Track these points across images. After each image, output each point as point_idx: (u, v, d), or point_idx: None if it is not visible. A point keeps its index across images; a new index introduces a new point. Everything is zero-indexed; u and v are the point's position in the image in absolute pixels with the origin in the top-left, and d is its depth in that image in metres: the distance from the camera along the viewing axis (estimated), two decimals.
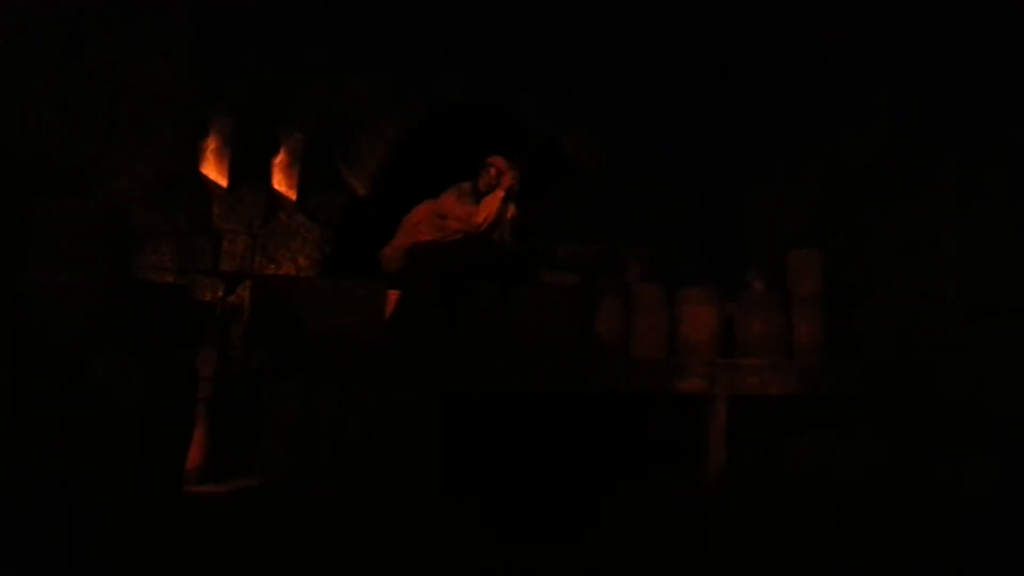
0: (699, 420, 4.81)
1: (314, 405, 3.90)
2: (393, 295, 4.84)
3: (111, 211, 2.87)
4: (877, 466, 4.82)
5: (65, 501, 2.61)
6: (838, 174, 5.72)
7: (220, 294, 4.83)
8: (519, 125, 6.43)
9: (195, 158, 4.89)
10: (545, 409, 4.86)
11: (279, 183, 5.27)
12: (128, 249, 2.97)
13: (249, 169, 5.15)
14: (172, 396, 2.82)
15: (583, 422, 5.00)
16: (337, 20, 5.48)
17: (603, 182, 6.79)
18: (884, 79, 5.31)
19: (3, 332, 2.63)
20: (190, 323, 3.31)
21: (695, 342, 4.94)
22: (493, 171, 5.03)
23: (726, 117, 6.83)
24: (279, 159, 5.28)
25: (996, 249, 4.44)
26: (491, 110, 6.28)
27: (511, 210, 5.04)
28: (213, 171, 4.97)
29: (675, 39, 6.59)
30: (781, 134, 6.40)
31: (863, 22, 5.46)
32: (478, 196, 5.00)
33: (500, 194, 4.89)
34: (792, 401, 4.99)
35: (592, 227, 6.57)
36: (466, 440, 4.48)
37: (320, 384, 3.93)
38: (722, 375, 4.81)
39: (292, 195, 5.32)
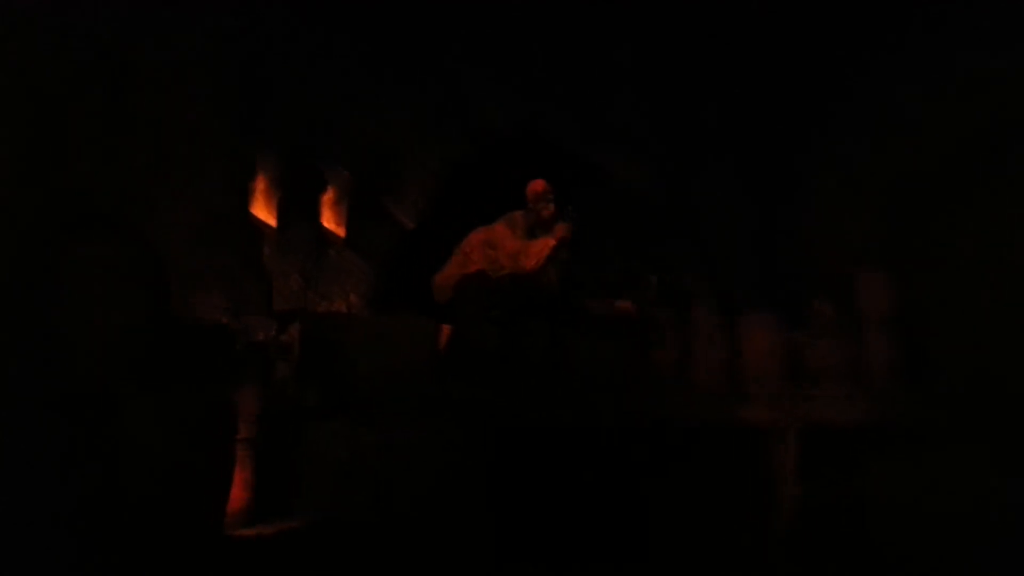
0: (766, 453, 4.56)
1: (359, 443, 3.84)
2: (446, 329, 4.77)
3: (143, 252, 2.87)
4: (967, 500, 4.49)
5: (100, 542, 2.57)
6: (903, 188, 5.47)
7: (272, 334, 4.83)
8: (565, 152, 6.36)
9: (244, 198, 4.94)
10: (599, 443, 4.68)
11: (328, 220, 5.30)
12: (163, 289, 2.96)
13: (298, 208, 5.19)
14: (206, 435, 2.77)
15: (639, 456, 4.79)
16: (378, 54, 5.53)
17: (655, 206, 6.64)
18: (947, 86, 5.08)
19: (37, 372, 2.62)
20: (231, 362, 3.28)
21: (758, 370, 4.72)
22: (551, 198, 4.94)
23: (782, 133, 6.63)
24: (327, 196, 5.32)
25: None
26: (536, 137, 6.22)
27: (562, 254, 4.91)
28: (262, 211, 5.01)
29: (724, 54, 6.45)
30: (841, 147, 6.16)
31: (921, 28, 5.25)
32: (531, 229, 4.89)
33: (551, 243, 4.76)
34: (867, 431, 4.71)
35: (646, 252, 6.43)
36: (516, 475, 4.34)
37: (365, 421, 3.87)
38: (790, 404, 4.57)
39: (341, 232, 5.34)
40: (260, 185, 5.02)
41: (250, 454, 3.19)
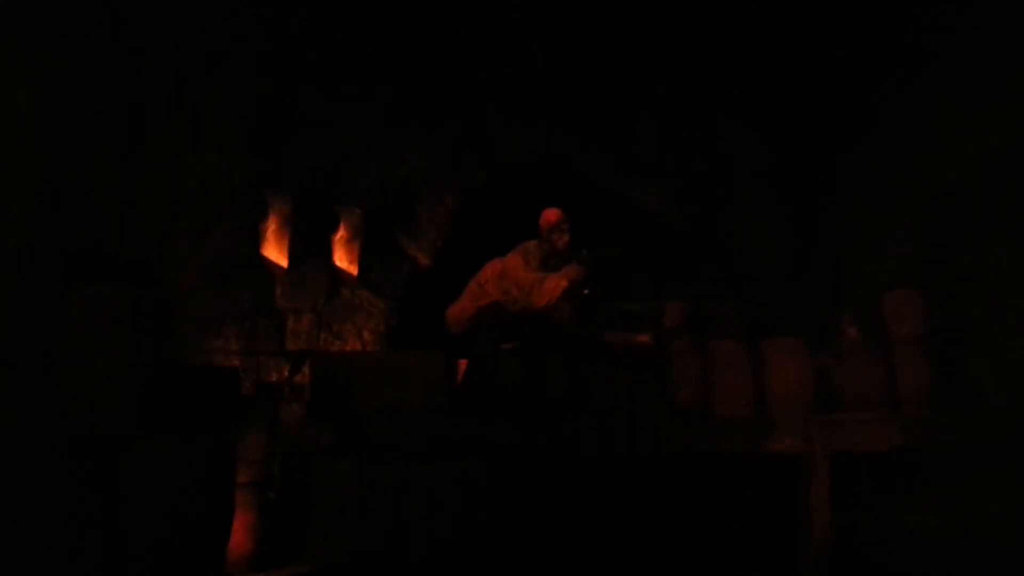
0: (795, 482, 4.39)
1: (372, 483, 3.75)
2: (463, 364, 4.71)
3: (143, 296, 2.86)
4: (1008, 529, 4.28)
5: None
6: (938, 208, 5.31)
7: (285, 374, 4.82)
8: (587, 182, 6.30)
9: (256, 240, 4.96)
10: (621, 476, 4.56)
11: (340, 259, 5.30)
12: (164, 333, 2.94)
13: (310, 247, 5.20)
14: (207, 480, 2.72)
15: (664, 490, 4.65)
16: (391, 89, 5.54)
17: (682, 234, 6.53)
18: (985, 101, 4.94)
19: (39, 419, 2.61)
20: (235, 405, 3.23)
21: (785, 397, 4.55)
22: (566, 227, 4.86)
23: (812, 155, 6.50)
24: (339, 235, 5.32)
25: None
26: (556, 168, 6.18)
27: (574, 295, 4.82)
28: (274, 252, 5.04)
29: (753, 73, 6.36)
30: (873, 168, 6.02)
31: (952, 44, 5.13)
32: (545, 259, 4.82)
33: (563, 284, 4.67)
34: (901, 456, 4.52)
35: (674, 282, 6.30)
36: (536, 512, 4.23)
37: (378, 460, 3.79)
38: (819, 432, 4.39)
39: (354, 270, 5.33)
40: (272, 225, 5.05)
41: (254, 498, 3.13)
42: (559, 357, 4.46)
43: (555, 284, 4.64)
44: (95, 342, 2.74)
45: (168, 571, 2.62)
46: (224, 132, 4.91)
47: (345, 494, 3.69)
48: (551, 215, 4.87)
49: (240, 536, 2.96)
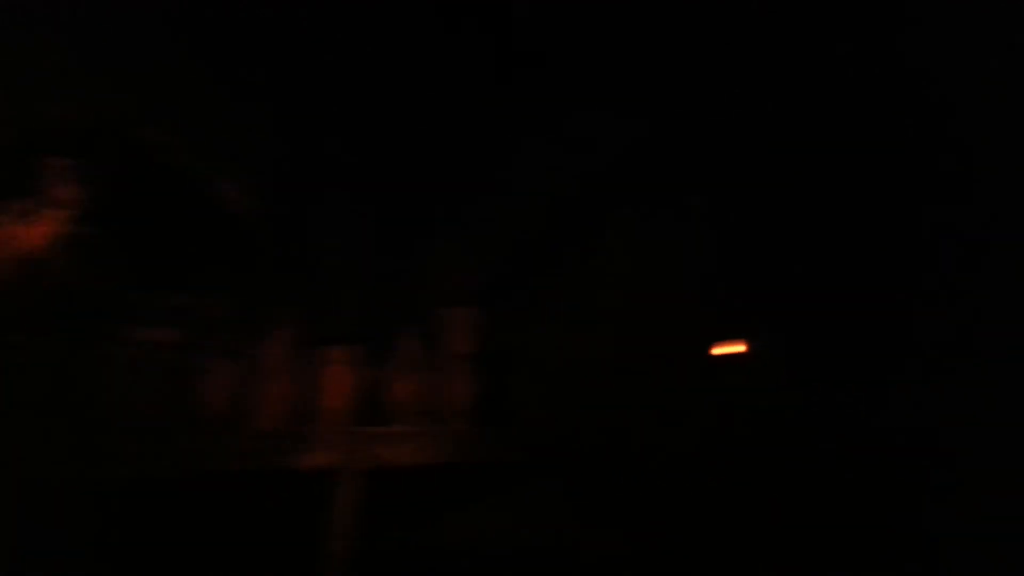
0: (326, 498, 4.15)
1: None
2: None
3: None
4: (536, 537, 4.50)
5: None
6: (510, 235, 5.57)
7: None
8: (153, 159, 5.54)
9: None
10: (146, 494, 3.91)
11: None
12: None
13: None
14: None
15: (192, 508, 4.09)
16: None
17: (258, 231, 6.06)
18: (557, 146, 5.26)
19: None
20: None
21: (330, 409, 4.32)
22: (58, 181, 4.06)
23: (407, 174, 6.48)
24: None
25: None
26: (111, 136, 5.32)
27: (75, 237, 4.02)
28: None
29: (351, 83, 6.14)
30: (461, 193, 6.17)
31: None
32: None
33: (58, 214, 3.87)
34: (444, 471, 4.53)
35: (242, 281, 5.79)
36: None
37: None
38: (357, 445, 4.22)
39: None
40: None
41: None
42: (48, 344, 3.65)
43: (43, 220, 3.84)
44: None
45: None
46: None
47: None
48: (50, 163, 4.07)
49: None
